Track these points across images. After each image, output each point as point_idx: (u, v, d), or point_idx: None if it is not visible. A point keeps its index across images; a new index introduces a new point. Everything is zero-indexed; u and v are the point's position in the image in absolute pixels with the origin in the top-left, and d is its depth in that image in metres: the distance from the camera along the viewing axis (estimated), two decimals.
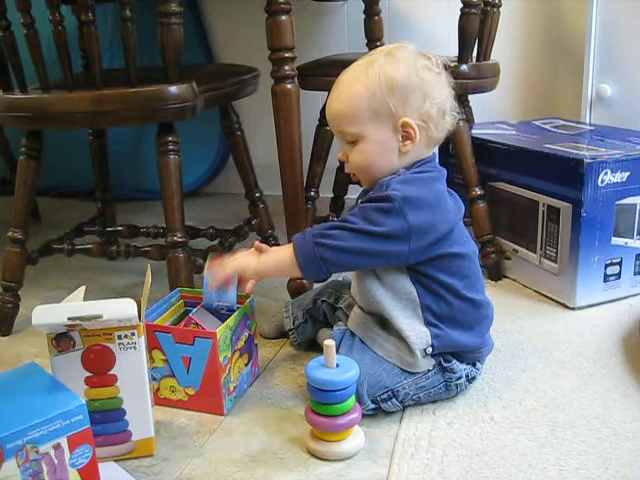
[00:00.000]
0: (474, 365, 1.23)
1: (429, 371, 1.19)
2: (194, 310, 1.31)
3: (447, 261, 1.18)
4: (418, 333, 1.17)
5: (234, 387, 1.25)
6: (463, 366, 1.21)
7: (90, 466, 0.94)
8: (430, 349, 1.17)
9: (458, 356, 1.21)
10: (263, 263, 1.22)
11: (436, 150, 1.27)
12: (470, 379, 1.23)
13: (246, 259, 1.24)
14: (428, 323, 1.18)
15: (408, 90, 1.15)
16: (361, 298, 1.25)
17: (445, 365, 1.19)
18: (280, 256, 1.21)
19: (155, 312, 1.28)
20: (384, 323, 1.21)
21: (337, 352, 1.15)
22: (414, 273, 1.17)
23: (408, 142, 1.17)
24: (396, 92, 1.15)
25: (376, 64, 1.17)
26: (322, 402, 1.08)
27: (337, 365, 1.09)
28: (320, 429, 1.10)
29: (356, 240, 1.13)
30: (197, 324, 1.26)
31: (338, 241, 1.13)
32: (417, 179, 1.17)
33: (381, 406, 1.18)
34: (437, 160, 1.25)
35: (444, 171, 1.23)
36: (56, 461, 0.91)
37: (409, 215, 1.11)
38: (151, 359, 1.22)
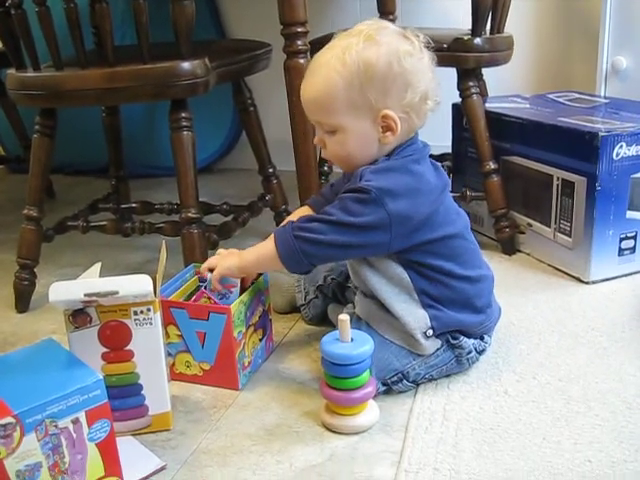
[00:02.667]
0: (482, 339, 1.23)
1: (437, 349, 1.18)
2: (206, 284, 1.31)
3: (436, 245, 1.15)
4: (416, 317, 1.16)
5: (249, 362, 1.26)
6: (471, 340, 1.20)
7: (108, 440, 0.95)
8: (430, 331, 1.16)
9: (464, 332, 1.20)
10: (245, 260, 1.22)
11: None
12: (480, 352, 1.23)
13: (227, 261, 1.23)
14: (425, 305, 1.16)
15: (389, 80, 1.10)
16: (359, 286, 1.25)
17: (453, 342, 1.19)
18: (262, 251, 1.20)
19: (170, 288, 1.29)
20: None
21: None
22: (404, 260, 1.16)
23: (389, 133, 1.13)
24: (376, 82, 1.09)
25: (354, 49, 1.10)
26: (337, 376, 1.09)
27: (352, 339, 1.10)
28: (335, 403, 1.10)
29: (336, 233, 1.11)
30: (209, 298, 1.27)
31: (317, 234, 1.12)
32: (391, 167, 1.13)
33: (392, 388, 1.18)
34: (417, 137, 1.20)
35: (426, 148, 1.19)
36: (75, 435, 0.92)
37: (388, 204, 1.09)
38: (166, 334, 1.23)
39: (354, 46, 1.10)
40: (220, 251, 1.29)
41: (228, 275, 1.24)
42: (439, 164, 1.22)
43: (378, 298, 1.18)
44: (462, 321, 1.18)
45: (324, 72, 1.12)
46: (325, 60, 1.13)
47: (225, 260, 1.24)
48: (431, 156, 1.22)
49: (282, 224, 1.21)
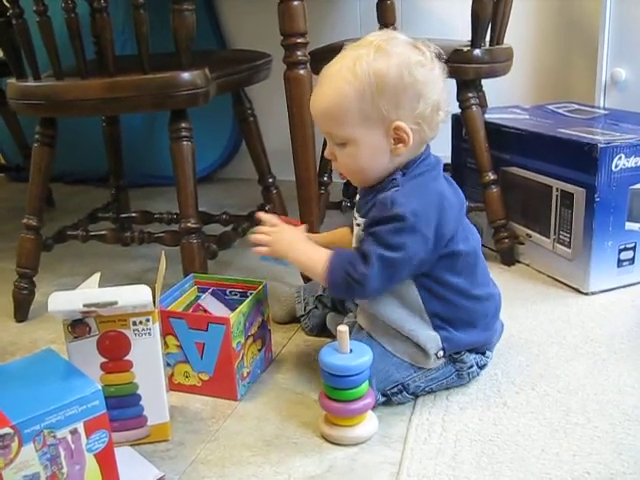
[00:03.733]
0: (484, 354, 1.23)
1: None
2: (202, 297, 1.31)
3: (453, 260, 1.15)
4: (427, 337, 1.16)
5: (247, 373, 1.26)
6: (473, 355, 1.20)
7: (106, 451, 0.95)
8: (441, 352, 1.16)
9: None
10: (295, 257, 1.20)
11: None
12: (481, 366, 1.23)
13: (279, 244, 1.22)
14: (436, 327, 1.16)
15: (400, 91, 1.08)
16: (366, 306, 1.22)
17: (455, 356, 1.19)
18: (314, 262, 1.16)
19: (169, 298, 1.29)
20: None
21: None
22: (421, 277, 1.15)
23: (400, 145, 1.11)
24: (388, 93, 1.08)
25: (365, 60, 1.08)
26: (336, 387, 1.09)
27: (350, 350, 1.09)
28: (334, 414, 1.10)
29: (384, 271, 1.09)
30: (205, 310, 1.27)
31: (367, 279, 1.09)
32: (418, 187, 1.12)
33: (392, 399, 1.18)
34: (429, 150, 1.19)
35: (440, 163, 1.19)
36: (73, 446, 0.92)
37: (423, 228, 1.08)
38: (165, 345, 1.23)
39: (365, 57, 1.08)
40: (275, 221, 1.27)
41: (273, 256, 1.24)
42: (452, 181, 1.22)
43: (387, 318, 1.17)
44: (470, 342, 1.19)
45: (335, 83, 1.11)
46: (336, 71, 1.11)
47: (278, 243, 1.22)
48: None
49: (336, 248, 1.18)
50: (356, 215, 1.20)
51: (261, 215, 1.30)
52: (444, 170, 1.93)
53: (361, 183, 1.19)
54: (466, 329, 1.18)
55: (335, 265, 1.13)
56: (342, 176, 1.21)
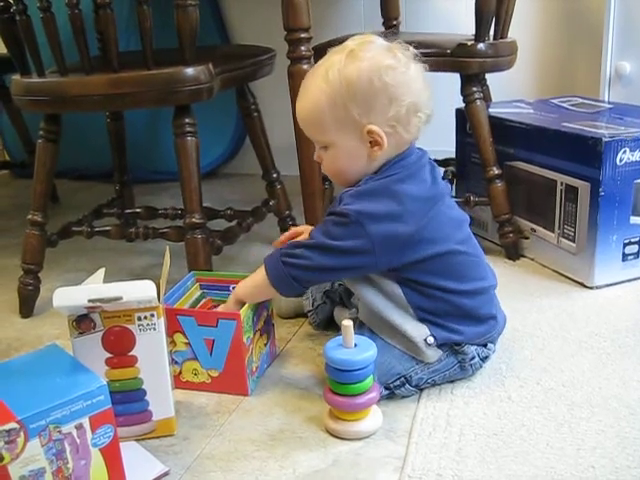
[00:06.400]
0: (485, 346, 1.22)
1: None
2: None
3: (430, 263, 1.14)
4: (414, 326, 1.16)
5: (256, 367, 1.26)
6: (474, 347, 1.20)
7: (112, 446, 0.95)
8: (431, 338, 1.16)
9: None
10: (242, 288, 1.24)
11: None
12: (483, 358, 1.22)
13: (232, 296, 1.25)
14: (422, 319, 1.16)
15: (371, 96, 1.10)
16: (358, 299, 1.24)
17: (456, 347, 1.18)
18: (256, 280, 1.22)
19: (173, 297, 1.29)
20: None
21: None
22: (398, 277, 1.16)
23: (376, 148, 1.13)
24: (358, 99, 1.11)
25: (336, 67, 1.12)
26: (340, 382, 1.09)
27: (355, 345, 1.10)
28: (338, 408, 1.10)
29: (321, 257, 1.13)
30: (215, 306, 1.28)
31: (304, 260, 1.14)
32: (372, 190, 1.13)
33: (395, 392, 1.18)
34: (411, 150, 1.18)
35: (421, 160, 1.18)
36: (78, 441, 0.92)
37: (368, 227, 1.10)
38: (173, 343, 1.23)
39: (337, 64, 1.12)
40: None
41: (228, 311, 1.24)
42: (440, 172, 1.22)
43: (375, 310, 1.18)
44: (464, 334, 1.18)
45: (311, 91, 1.15)
46: (311, 79, 1.16)
47: (232, 298, 1.25)
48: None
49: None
50: None
51: None
52: (447, 165, 1.95)
53: (343, 184, 1.22)
54: (456, 320, 1.17)
55: (269, 261, 1.19)
56: (329, 177, 1.26)
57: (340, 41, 1.18)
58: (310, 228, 1.28)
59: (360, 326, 1.22)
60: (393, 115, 1.12)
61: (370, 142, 1.13)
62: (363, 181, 1.16)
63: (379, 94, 1.11)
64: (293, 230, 1.37)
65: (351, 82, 1.10)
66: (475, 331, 1.19)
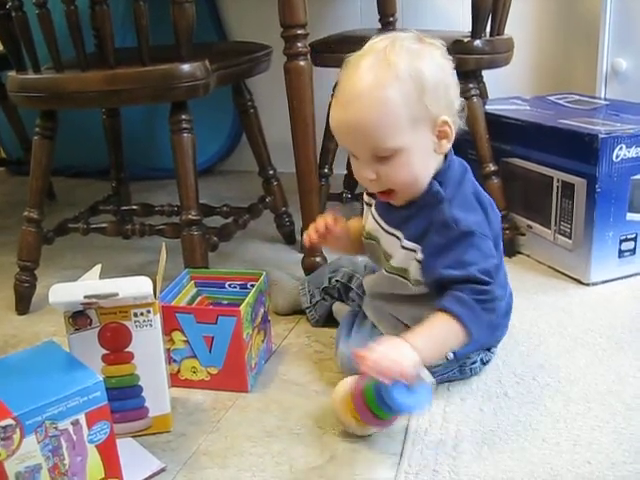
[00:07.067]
0: (489, 350, 1.23)
1: None
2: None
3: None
4: None
5: (255, 364, 1.26)
6: (478, 351, 1.20)
7: (108, 442, 0.95)
8: (451, 355, 1.15)
9: None
10: (425, 350, 1.02)
11: None
12: (485, 362, 1.23)
13: (405, 360, 1.00)
14: None
15: (439, 85, 1.05)
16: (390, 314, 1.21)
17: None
18: (441, 335, 1.06)
19: (170, 295, 1.28)
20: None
21: (348, 334, 1.17)
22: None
23: (444, 141, 1.08)
24: (429, 90, 1.03)
25: (401, 61, 1.03)
26: (386, 411, 1.03)
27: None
28: (364, 420, 1.06)
29: (496, 278, 1.10)
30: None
31: (493, 296, 1.08)
32: (465, 195, 1.11)
33: None
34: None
35: (462, 161, 1.17)
36: (75, 437, 0.92)
37: (489, 233, 1.10)
38: (171, 341, 1.23)
39: (399, 58, 1.03)
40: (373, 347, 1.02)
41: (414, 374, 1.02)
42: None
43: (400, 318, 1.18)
44: (483, 344, 1.19)
45: (375, 92, 1.03)
46: (370, 80, 1.03)
47: (403, 361, 1.00)
48: None
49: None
50: (391, 230, 1.17)
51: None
52: None
53: (409, 197, 1.13)
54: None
55: (462, 312, 1.04)
56: (383, 196, 1.13)
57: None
58: (329, 217, 1.23)
59: (362, 319, 1.24)
60: (454, 104, 1.08)
61: (437, 136, 1.08)
62: (437, 187, 1.10)
63: (440, 83, 1.05)
64: (322, 222, 1.25)
65: (421, 73, 1.03)
66: (489, 340, 1.20)
